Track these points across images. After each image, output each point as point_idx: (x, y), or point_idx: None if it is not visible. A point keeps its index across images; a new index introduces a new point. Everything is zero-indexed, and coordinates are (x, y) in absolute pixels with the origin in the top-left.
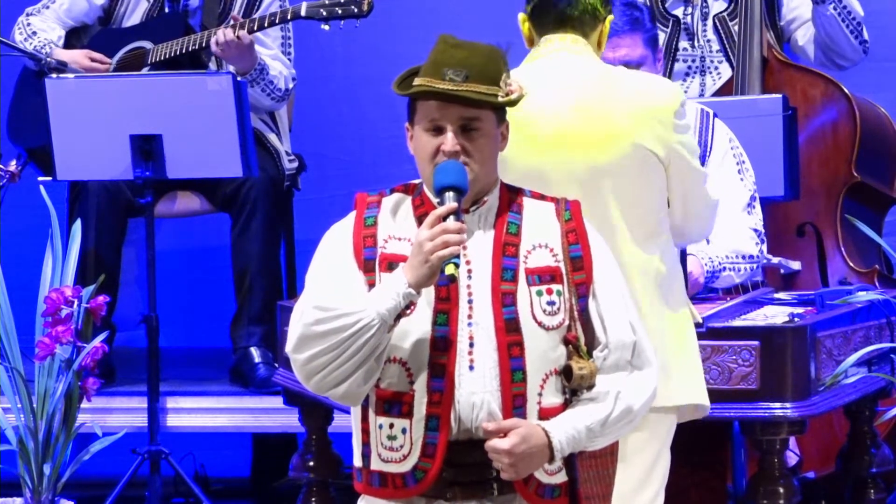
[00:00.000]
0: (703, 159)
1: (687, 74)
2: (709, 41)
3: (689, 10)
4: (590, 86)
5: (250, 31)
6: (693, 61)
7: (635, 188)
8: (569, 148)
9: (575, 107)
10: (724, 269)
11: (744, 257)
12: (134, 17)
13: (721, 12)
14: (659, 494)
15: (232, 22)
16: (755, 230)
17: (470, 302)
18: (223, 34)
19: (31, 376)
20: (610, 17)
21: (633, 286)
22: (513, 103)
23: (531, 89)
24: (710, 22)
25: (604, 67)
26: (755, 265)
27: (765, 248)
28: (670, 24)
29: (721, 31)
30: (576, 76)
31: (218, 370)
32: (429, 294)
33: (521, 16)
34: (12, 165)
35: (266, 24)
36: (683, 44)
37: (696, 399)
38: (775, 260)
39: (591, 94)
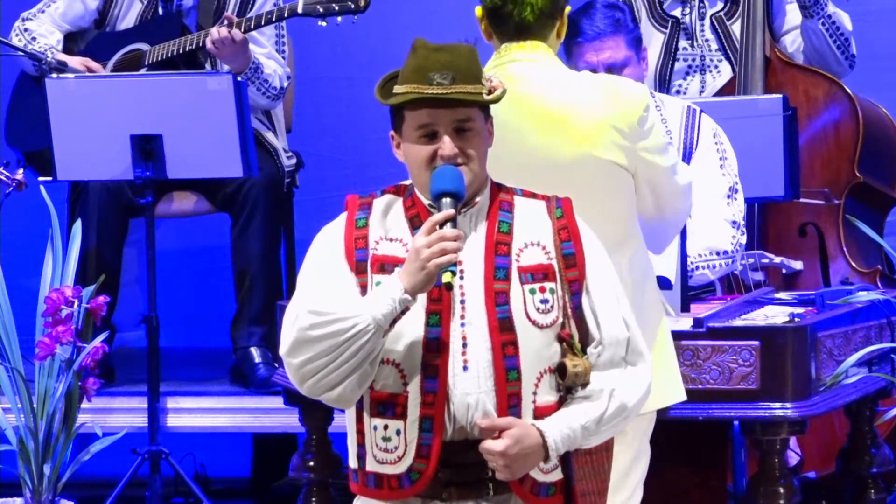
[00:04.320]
0: (689, 155)
1: (687, 73)
2: (707, 41)
3: (687, 10)
4: (550, 98)
5: (247, 30)
6: (693, 60)
7: (601, 200)
8: (531, 160)
9: (536, 120)
10: (698, 267)
11: (717, 254)
12: (128, 19)
13: (718, 12)
14: (635, 492)
15: (226, 21)
16: (733, 222)
17: (462, 302)
18: (217, 32)
19: (32, 376)
20: (568, 9)
21: None
22: (498, 99)
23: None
24: (707, 22)
25: (565, 76)
26: (730, 260)
27: (744, 239)
28: (669, 24)
29: (719, 31)
30: (536, 87)
31: (218, 370)
32: (421, 295)
33: (479, 11)
34: (19, 174)
35: (263, 23)
36: (683, 43)
37: (670, 401)
38: (777, 260)
39: (552, 106)
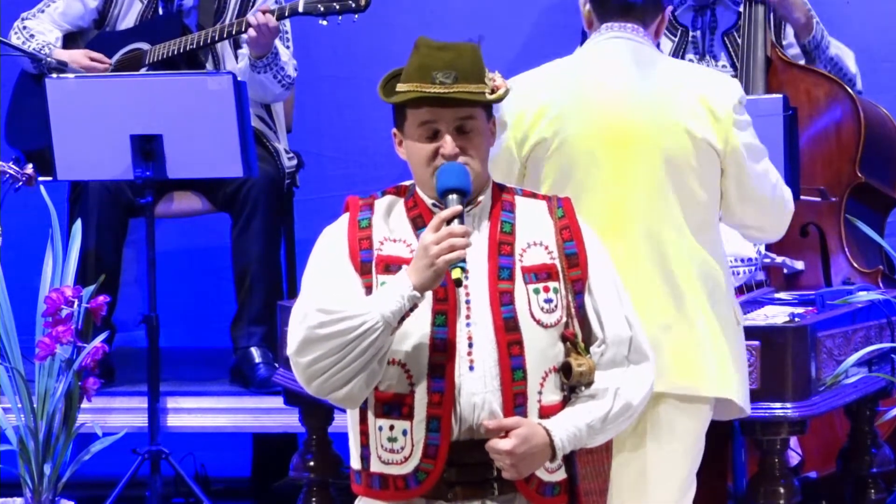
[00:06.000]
0: None
1: None
2: (715, 56)
3: (699, 22)
4: (648, 76)
5: (248, 28)
6: None
7: (692, 180)
8: (627, 137)
9: (633, 96)
10: None
11: (742, 260)
12: (128, 19)
13: (729, 28)
14: (691, 480)
15: (261, 10)
16: None
17: (468, 302)
18: (255, 18)
19: (32, 376)
20: (669, 7)
21: (680, 277)
22: (501, 99)
23: (589, 75)
24: (717, 37)
25: (663, 58)
26: (753, 267)
27: (762, 247)
28: (679, 33)
29: (729, 47)
30: (635, 65)
31: (218, 370)
32: (426, 295)
33: None
34: (29, 168)
35: None
36: (690, 56)
37: (728, 393)
38: (779, 260)
39: (650, 83)
